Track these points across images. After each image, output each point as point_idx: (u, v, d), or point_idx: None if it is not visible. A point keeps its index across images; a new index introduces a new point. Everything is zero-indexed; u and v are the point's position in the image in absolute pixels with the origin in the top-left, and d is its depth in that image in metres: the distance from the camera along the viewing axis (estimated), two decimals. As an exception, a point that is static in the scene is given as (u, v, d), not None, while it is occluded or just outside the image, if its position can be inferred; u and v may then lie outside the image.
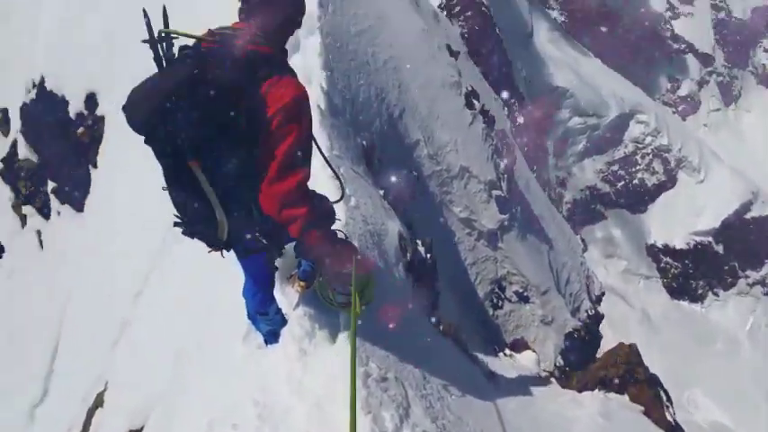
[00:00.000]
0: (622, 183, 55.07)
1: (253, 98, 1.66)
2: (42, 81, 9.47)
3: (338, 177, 2.33)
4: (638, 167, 52.59)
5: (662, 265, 48.82)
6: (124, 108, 1.68)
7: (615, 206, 53.33)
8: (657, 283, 47.59)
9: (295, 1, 1.84)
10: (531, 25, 47.88)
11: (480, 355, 5.00)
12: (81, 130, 8.81)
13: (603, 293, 11.01)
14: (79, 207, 9.27)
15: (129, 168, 7.73)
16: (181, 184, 1.75)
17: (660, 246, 49.57)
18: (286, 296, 2.72)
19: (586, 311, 8.98)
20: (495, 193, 7.10)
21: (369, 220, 3.59)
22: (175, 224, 1.89)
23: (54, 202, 9.91)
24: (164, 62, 1.66)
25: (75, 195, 9.19)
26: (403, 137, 6.24)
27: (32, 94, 9.68)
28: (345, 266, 1.99)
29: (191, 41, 1.74)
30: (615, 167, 54.50)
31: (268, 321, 2.32)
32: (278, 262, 2.55)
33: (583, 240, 13.64)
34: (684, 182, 52.49)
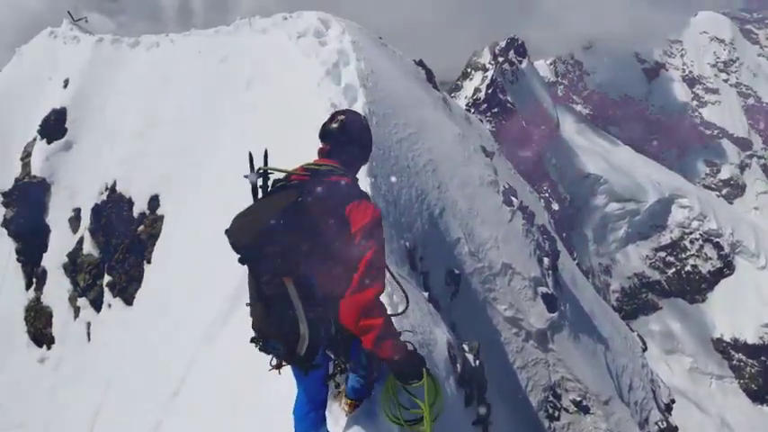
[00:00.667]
0: (673, 270, 51.85)
1: (339, 219, 1.91)
2: (114, 184, 10.58)
3: (402, 290, 2.42)
4: (688, 253, 49.79)
5: (734, 362, 43.49)
6: (228, 231, 1.89)
7: (669, 295, 49.76)
8: (733, 384, 41.74)
9: (368, 141, 2.26)
10: (557, 118, 49.97)
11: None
12: (141, 227, 9.54)
13: (674, 401, 9.78)
14: (129, 301, 9.65)
15: (178, 264, 8.14)
16: (269, 300, 1.91)
17: (729, 340, 44.66)
18: (331, 414, 2.58)
19: (657, 424, 7.92)
20: (540, 290, 6.84)
21: (417, 329, 3.49)
22: (252, 340, 2.03)
23: (107, 295, 10.40)
24: (259, 192, 2.00)
25: (128, 289, 9.65)
26: (444, 235, 6.31)
27: (104, 196, 10.76)
28: (416, 378, 2.02)
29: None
30: (663, 254, 51.92)
31: None
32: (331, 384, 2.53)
33: (640, 337, 12.56)
34: (744, 267, 48.74)
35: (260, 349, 2.03)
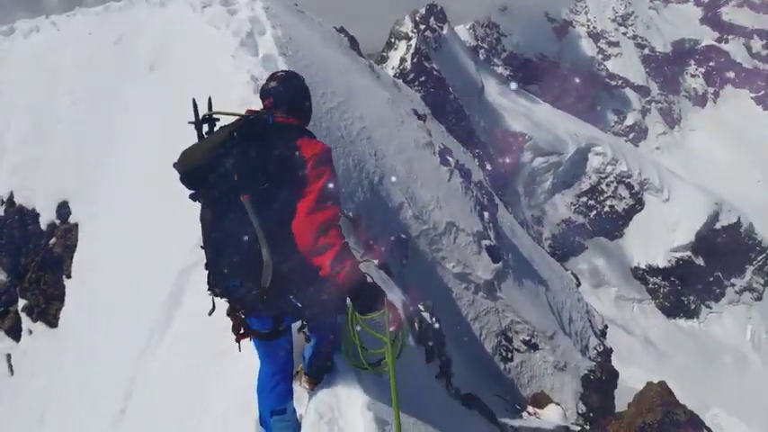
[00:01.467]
0: (594, 212, 57.09)
1: (289, 150, 1.92)
2: (11, 197, 9.25)
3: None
4: (605, 195, 54.97)
5: (650, 285, 49.43)
6: (177, 164, 1.92)
7: (593, 235, 54.80)
8: (651, 305, 47.50)
9: (309, 98, 2.33)
10: (480, 82, 51.56)
11: (505, 420, 4.65)
12: (53, 240, 8.48)
13: (607, 326, 10.82)
14: (53, 322, 8.66)
15: (103, 273, 7.39)
16: (225, 228, 1.87)
17: (644, 267, 50.47)
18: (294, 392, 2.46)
19: (595, 348, 8.73)
20: (484, 243, 7.10)
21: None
22: (209, 287, 1.98)
23: (26, 321, 9.24)
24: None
25: (49, 310, 8.63)
26: (386, 202, 6.26)
27: (1, 211, 9.39)
28: (378, 305, 1.95)
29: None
30: (584, 199, 56.79)
31: (285, 424, 2.13)
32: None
33: (574, 275, 13.66)
34: (652, 202, 54.75)
35: (220, 295, 1.95)
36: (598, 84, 65.04)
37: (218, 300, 2.03)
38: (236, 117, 2.05)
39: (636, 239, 51.15)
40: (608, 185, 53.31)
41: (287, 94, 2.18)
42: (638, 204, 53.36)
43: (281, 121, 2.04)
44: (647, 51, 72.49)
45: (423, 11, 51.44)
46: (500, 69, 58.65)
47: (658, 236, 50.09)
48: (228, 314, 2.05)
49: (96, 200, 8.00)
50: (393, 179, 6.35)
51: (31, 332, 9.33)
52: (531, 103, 56.13)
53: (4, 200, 9.45)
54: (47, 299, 8.87)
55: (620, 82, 68.26)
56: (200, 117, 2.09)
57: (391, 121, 6.95)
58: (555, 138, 53.33)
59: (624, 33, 72.84)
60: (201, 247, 1.99)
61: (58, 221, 8.57)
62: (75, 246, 8.27)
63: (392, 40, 52.81)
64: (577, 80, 64.32)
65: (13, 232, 9.21)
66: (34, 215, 8.89)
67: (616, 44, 70.06)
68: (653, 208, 53.23)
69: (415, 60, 46.46)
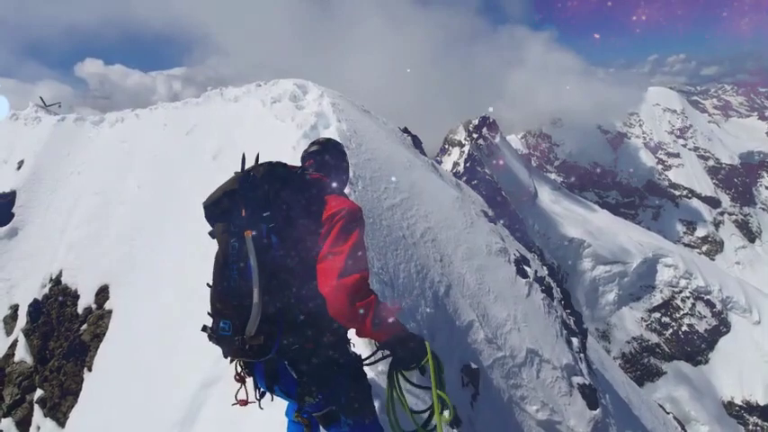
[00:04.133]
0: (671, 331, 50.84)
1: (315, 200, 1.83)
2: (60, 275, 9.10)
3: None
4: (682, 313, 49.21)
5: (750, 427, 40.90)
6: (204, 201, 1.94)
7: (671, 358, 48.08)
8: (755, 450, 38.53)
9: (347, 163, 2.30)
10: (534, 187, 51.46)
11: None
12: (84, 327, 7.93)
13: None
14: (62, 421, 7.71)
15: (122, 372, 6.52)
16: (229, 262, 1.75)
17: (740, 403, 42.38)
18: None
19: None
20: (576, 380, 5.51)
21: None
22: (203, 329, 1.87)
23: (37, 414, 8.38)
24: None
25: (61, 406, 7.75)
26: (453, 319, 5.08)
27: (46, 289, 9.20)
28: (422, 354, 1.79)
29: None
30: (657, 314, 51.14)
31: None
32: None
33: (677, 419, 10.91)
34: (739, 324, 48.03)
35: (209, 336, 1.84)
36: (660, 193, 62.54)
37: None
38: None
39: (725, 367, 44.41)
40: (683, 301, 48.18)
41: (326, 158, 2.17)
42: (722, 326, 47.16)
43: (315, 177, 2.00)
44: (711, 163, 70.14)
45: (476, 121, 54.44)
46: (553, 176, 58.63)
47: (753, 365, 43.19)
48: (235, 377, 1.95)
49: (134, 287, 7.53)
50: (462, 291, 5.24)
51: (39, 429, 8.40)
52: (587, 210, 54.36)
53: (53, 277, 9.32)
54: (62, 393, 8.04)
55: (685, 192, 65.31)
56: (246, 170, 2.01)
57: (459, 223, 6.06)
58: (617, 246, 50.17)
59: (684, 145, 71.81)
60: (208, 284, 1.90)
61: (94, 306, 8.11)
62: (104, 335, 7.62)
63: (446, 146, 55.46)
64: (637, 189, 62.52)
65: (51, 313, 8.87)
66: (75, 297, 8.55)
67: (676, 155, 68.77)
68: (742, 331, 46.69)
69: (468, 165, 47.81)
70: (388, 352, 1.80)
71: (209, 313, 1.84)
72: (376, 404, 2.08)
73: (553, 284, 10.39)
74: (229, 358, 1.87)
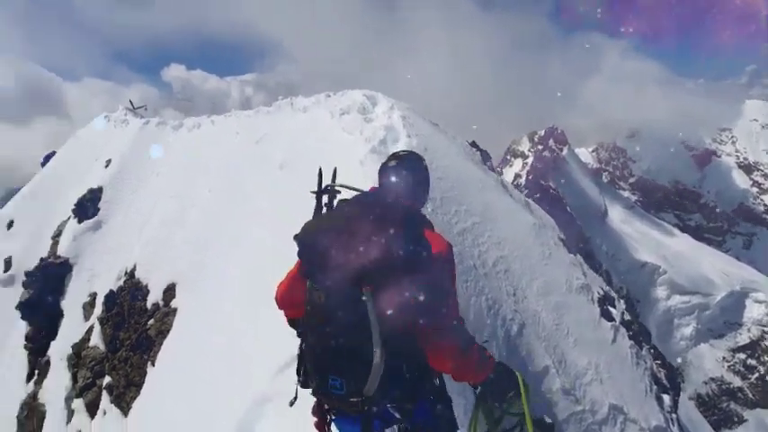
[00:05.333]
0: (756, 375, 45.14)
1: (419, 244, 1.70)
2: (134, 269, 9.64)
3: None
4: (771, 356, 43.30)
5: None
6: (298, 236, 1.79)
7: (755, 406, 42.66)
8: None
9: (428, 180, 2.08)
10: (604, 205, 47.97)
11: None
12: (151, 322, 8.28)
13: None
14: (125, 410, 8.07)
15: (180, 372, 6.64)
16: (339, 317, 1.63)
17: (843, 471, 36.38)
18: None
19: None
20: (669, 449, 4.71)
21: None
22: (299, 377, 1.86)
23: (104, 399, 8.89)
24: (324, 209, 2.07)
25: (125, 396, 8.12)
26: (526, 362, 4.52)
27: (121, 282, 9.79)
28: (514, 385, 1.89)
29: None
30: (742, 356, 45.64)
31: None
32: None
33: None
34: None
35: (313, 391, 1.77)
36: (754, 219, 55.41)
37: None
38: (358, 192, 2.01)
39: (823, 422, 38.49)
40: (775, 344, 42.40)
41: (408, 175, 2.00)
42: (824, 378, 40.85)
43: (408, 206, 1.90)
44: (819, 188, 61.21)
45: (542, 132, 51.83)
46: (627, 194, 54.08)
47: None
48: (314, 412, 1.87)
49: (199, 289, 7.74)
50: (537, 331, 4.67)
51: (105, 413, 8.88)
52: (665, 234, 49.46)
53: (128, 271, 9.90)
54: (127, 383, 8.43)
55: (785, 220, 57.53)
56: (323, 187, 2.07)
57: (536, 253, 5.47)
58: (698, 275, 45.24)
59: (786, 167, 63.35)
60: (298, 334, 1.91)
61: (161, 303, 8.45)
62: (168, 332, 7.89)
63: (508, 156, 53.39)
64: (726, 213, 56.04)
65: (123, 305, 9.40)
66: (146, 292, 8.98)
67: (775, 178, 60.75)
68: (843, 385, 40.16)
69: (530, 177, 45.58)
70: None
71: (310, 366, 1.76)
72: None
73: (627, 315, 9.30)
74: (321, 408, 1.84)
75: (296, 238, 1.78)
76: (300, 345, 1.89)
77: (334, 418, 1.81)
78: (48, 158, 16.92)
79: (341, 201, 1.93)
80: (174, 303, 8.29)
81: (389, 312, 1.57)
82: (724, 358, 44.64)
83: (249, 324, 5.51)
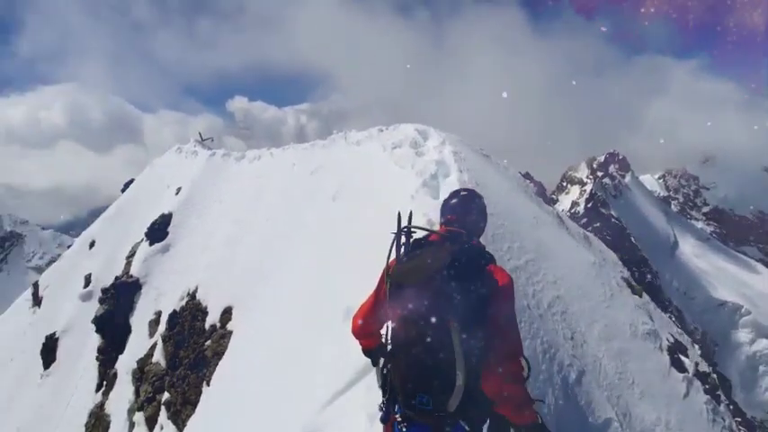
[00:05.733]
0: None
1: (489, 284, 1.97)
2: (195, 290, 10.24)
3: None
4: None
5: None
6: (393, 275, 2.13)
7: None
8: None
9: (485, 214, 2.42)
10: (674, 236, 44.35)
11: None
12: (208, 342, 8.69)
13: None
14: (181, 427, 8.43)
15: (228, 397, 6.86)
16: (427, 347, 1.92)
17: None
18: None
19: None
20: None
21: None
22: (386, 395, 2.16)
23: (162, 414, 9.36)
24: (401, 248, 2.23)
25: (181, 413, 8.49)
26: (586, 414, 4.21)
27: (183, 302, 10.41)
28: None
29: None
30: (839, 412, 39.36)
31: None
32: None
33: None
34: None
35: (401, 406, 2.03)
36: None
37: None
38: (431, 232, 2.21)
39: None
40: None
41: (470, 214, 2.29)
42: None
43: (476, 245, 2.13)
44: None
45: (601, 158, 49.39)
46: (700, 224, 49.48)
47: None
48: (385, 420, 2.15)
49: (252, 313, 8.05)
50: (598, 380, 4.37)
51: (162, 428, 9.32)
52: (746, 269, 44.59)
53: (190, 292, 10.54)
54: (183, 400, 8.83)
55: None
56: (401, 228, 2.22)
57: (596, 294, 5.17)
58: (788, 318, 39.93)
59: None
60: (383, 362, 2.29)
61: (218, 324, 8.88)
62: (223, 354, 8.23)
63: (564, 183, 51.29)
64: (822, 249, 49.72)
65: (184, 324, 9.97)
66: (205, 313, 9.48)
67: None
68: None
69: (589, 206, 43.27)
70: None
71: (398, 384, 2.04)
72: None
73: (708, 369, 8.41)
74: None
75: (389, 276, 2.10)
76: (384, 367, 2.23)
77: (404, 427, 2.06)
78: (127, 185, 18.74)
79: (416, 240, 2.21)
80: (230, 326, 8.68)
81: (471, 341, 1.86)
82: (819, 415, 38.93)
83: (298, 352, 5.62)
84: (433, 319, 1.89)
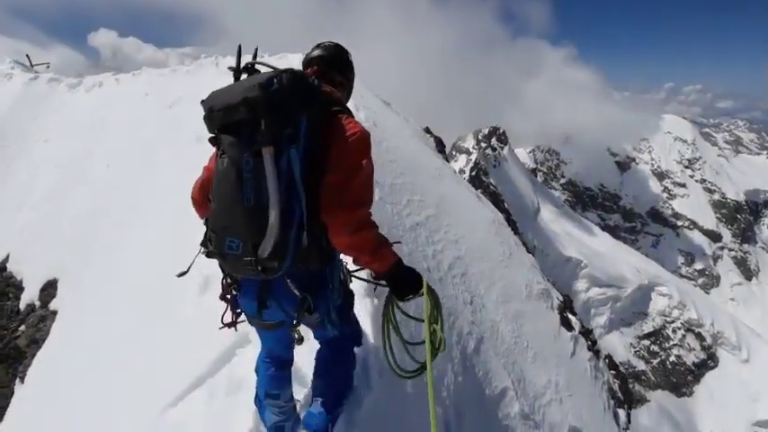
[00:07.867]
0: (658, 360, 50.39)
1: (331, 121, 1.72)
2: (6, 260, 7.72)
3: None
4: (671, 343, 48.71)
5: (730, 467, 40.57)
6: (204, 101, 1.69)
7: (656, 387, 47.62)
8: (732, 491, 38.43)
9: (352, 69, 2.11)
10: (537, 203, 50.44)
11: None
12: (22, 328, 6.57)
13: None
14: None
15: (58, 392, 5.20)
16: (240, 178, 1.61)
17: (721, 440, 41.87)
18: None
19: None
20: (627, 474, 4.28)
21: None
22: (202, 243, 1.79)
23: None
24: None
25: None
26: (483, 386, 3.81)
27: (-12, 276, 7.81)
28: (417, 286, 1.87)
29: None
30: (646, 342, 50.58)
31: (277, 410, 2.05)
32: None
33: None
34: (727, 361, 47.53)
35: (211, 253, 1.73)
36: (663, 222, 61.79)
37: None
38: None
39: (708, 402, 44.01)
40: (674, 332, 47.59)
41: (332, 62, 2.02)
42: (710, 360, 46.62)
43: (327, 92, 1.81)
44: (716, 197, 69.44)
45: (486, 130, 53.25)
46: (557, 194, 57.60)
47: (736, 403, 42.82)
48: (221, 296, 1.89)
49: (85, 287, 6.21)
50: (496, 347, 3.98)
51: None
52: (587, 232, 53.33)
53: (-1, 262, 7.95)
54: (-13, 406, 6.69)
55: (687, 223, 64.59)
56: (242, 65, 1.76)
57: (495, 253, 4.79)
58: (614, 270, 49.22)
59: (691, 176, 71.11)
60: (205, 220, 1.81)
61: (38, 303, 6.76)
62: (44, 341, 6.27)
63: (453, 152, 54.23)
64: (641, 215, 61.70)
65: (-11, 306, 7.51)
66: (19, 289, 7.18)
67: (682, 185, 68.02)
68: (729, 367, 46.17)
69: (473, 174, 46.60)
70: (383, 282, 1.83)
71: (210, 230, 1.71)
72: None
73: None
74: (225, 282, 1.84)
75: (202, 102, 1.68)
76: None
77: (237, 296, 1.83)
78: None
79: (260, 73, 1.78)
80: (53, 305, 6.63)
81: (292, 177, 1.56)
82: (631, 344, 49.51)
83: (140, 338, 4.29)
84: (244, 142, 1.55)
